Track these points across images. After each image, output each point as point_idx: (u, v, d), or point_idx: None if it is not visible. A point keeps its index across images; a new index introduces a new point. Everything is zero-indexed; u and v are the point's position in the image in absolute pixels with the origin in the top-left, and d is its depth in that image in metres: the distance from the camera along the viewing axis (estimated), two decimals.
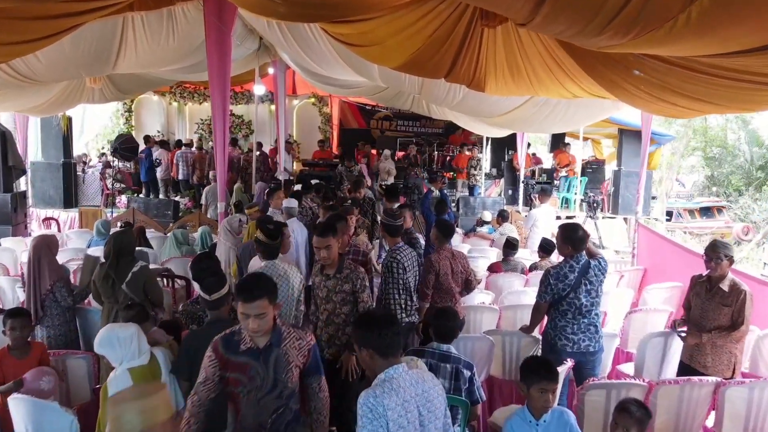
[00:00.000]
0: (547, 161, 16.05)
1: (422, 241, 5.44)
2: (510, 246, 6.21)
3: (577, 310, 3.82)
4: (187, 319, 3.55)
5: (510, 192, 14.78)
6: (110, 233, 5.71)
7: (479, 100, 7.09)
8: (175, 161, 12.26)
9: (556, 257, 6.58)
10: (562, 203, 13.09)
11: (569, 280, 3.83)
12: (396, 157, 15.12)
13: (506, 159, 14.90)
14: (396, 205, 6.58)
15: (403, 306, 4.24)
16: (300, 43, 6.63)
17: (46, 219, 10.32)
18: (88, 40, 6.16)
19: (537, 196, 8.38)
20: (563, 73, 4.91)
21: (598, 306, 3.88)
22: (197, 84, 16.20)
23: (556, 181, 14.60)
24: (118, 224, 8.41)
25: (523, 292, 5.49)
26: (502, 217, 9.01)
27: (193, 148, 12.81)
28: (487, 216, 8.92)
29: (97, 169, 13.10)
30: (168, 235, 7.80)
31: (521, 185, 11.89)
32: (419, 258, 4.67)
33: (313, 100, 17.11)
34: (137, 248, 7.50)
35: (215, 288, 3.16)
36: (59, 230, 9.91)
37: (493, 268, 6.31)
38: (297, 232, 6.19)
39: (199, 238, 7.31)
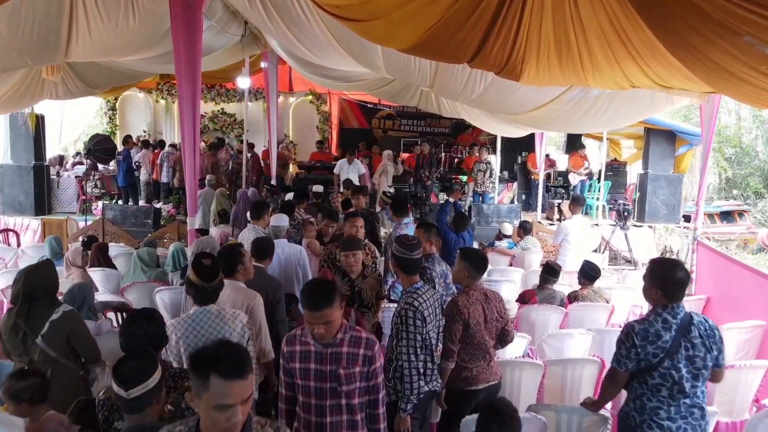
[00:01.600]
0: (562, 163, 14.91)
1: (444, 269, 4.24)
2: (550, 271, 5.04)
3: (676, 386, 2.65)
4: (109, 412, 2.33)
5: (524, 197, 13.64)
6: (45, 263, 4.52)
7: (505, 93, 5.94)
8: (159, 162, 11.12)
9: (599, 285, 5.42)
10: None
11: (663, 341, 2.66)
12: (399, 159, 13.98)
13: (519, 161, 13.75)
14: (406, 224, 5.42)
15: (422, 370, 3.07)
16: (288, 23, 5.47)
17: (4, 230, 9.16)
18: (29, 21, 5.06)
19: (568, 205, 7.23)
20: (627, 53, 3.76)
21: (705, 381, 2.72)
22: None
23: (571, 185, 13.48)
24: (81, 238, 7.26)
25: (568, 335, 4.32)
26: (524, 229, 7.86)
27: (173, 148, 11.67)
28: (508, 229, 7.76)
29: (75, 173, 11.97)
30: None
31: (540, 190, 10.69)
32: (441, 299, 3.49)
33: (310, 97, 15.94)
34: (99, 269, 6.45)
35: (137, 378, 2.00)
36: (18, 244, 8.74)
37: (524, 298, 5.15)
38: (285, 253, 5.06)
39: (170, 257, 6.15)
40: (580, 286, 5.26)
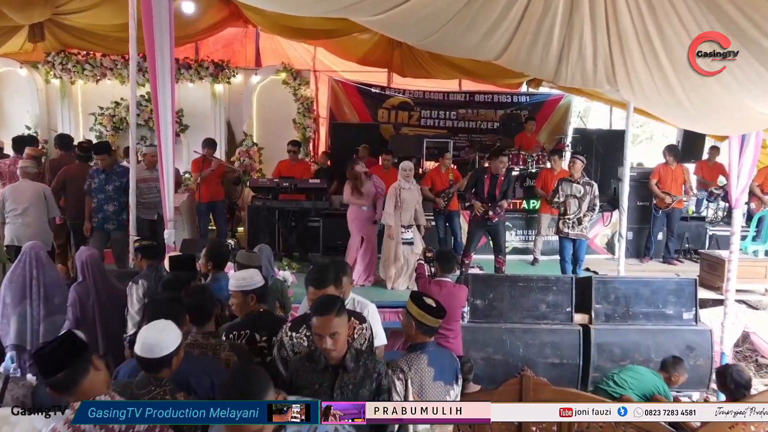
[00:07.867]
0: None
1: None
2: None
3: None
4: None
5: (630, 237, 8.20)
6: None
7: None
8: None
9: None
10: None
11: None
12: (421, 167, 8.69)
13: (619, 175, 8.32)
14: None
15: None
16: None
17: None
18: None
19: None
20: None
21: None
22: (90, 49, 9.75)
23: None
24: None
25: None
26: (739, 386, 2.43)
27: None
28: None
29: None
30: None
31: (735, 241, 5.18)
32: None
33: (284, 75, 10.45)
34: None
35: None
36: None
37: None
38: None
39: None
40: None
